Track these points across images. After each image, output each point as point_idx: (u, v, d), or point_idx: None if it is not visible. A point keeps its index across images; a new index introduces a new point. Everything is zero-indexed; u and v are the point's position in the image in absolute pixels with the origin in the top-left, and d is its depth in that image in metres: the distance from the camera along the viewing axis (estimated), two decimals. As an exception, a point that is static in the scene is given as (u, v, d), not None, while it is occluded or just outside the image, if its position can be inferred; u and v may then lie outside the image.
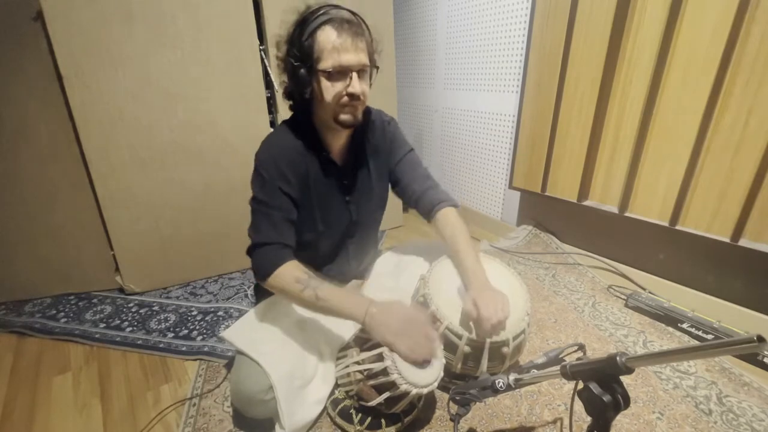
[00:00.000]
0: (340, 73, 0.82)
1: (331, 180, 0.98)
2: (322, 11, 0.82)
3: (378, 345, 0.82)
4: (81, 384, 1.14)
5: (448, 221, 1.02)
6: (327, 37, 0.81)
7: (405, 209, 2.36)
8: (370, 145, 1.03)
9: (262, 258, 0.88)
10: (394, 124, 1.08)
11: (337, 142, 0.97)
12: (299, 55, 0.83)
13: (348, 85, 0.83)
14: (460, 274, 1.00)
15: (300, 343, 0.94)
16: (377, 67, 0.90)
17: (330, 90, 0.84)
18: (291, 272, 0.86)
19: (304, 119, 0.94)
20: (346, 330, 0.96)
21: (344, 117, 0.87)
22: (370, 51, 0.87)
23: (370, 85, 0.90)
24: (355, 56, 0.82)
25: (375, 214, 1.11)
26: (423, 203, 1.05)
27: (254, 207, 0.91)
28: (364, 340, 0.88)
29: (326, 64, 0.82)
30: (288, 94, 0.93)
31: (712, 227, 1.28)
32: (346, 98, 0.84)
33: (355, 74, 0.83)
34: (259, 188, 0.90)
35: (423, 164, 1.09)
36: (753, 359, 1.12)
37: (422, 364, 0.82)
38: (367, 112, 1.01)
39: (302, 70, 0.83)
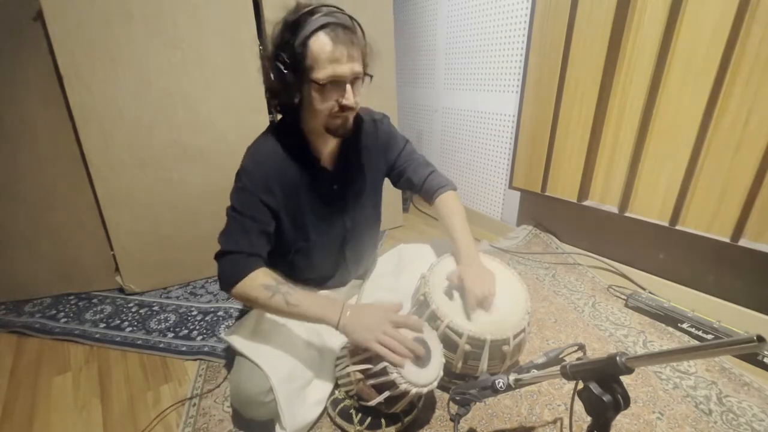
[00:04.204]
0: (333, 83, 0.79)
1: (322, 187, 0.95)
2: (315, 14, 0.77)
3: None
4: (81, 384, 1.14)
5: (446, 203, 1.06)
6: (321, 46, 0.76)
7: (405, 209, 2.37)
8: (362, 147, 1.01)
9: (229, 266, 0.85)
10: (386, 120, 1.08)
11: (327, 147, 0.94)
12: (289, 61, 0.78)
13: (341, 96, 0.80)
14: (453, 251, 1.03)
15: (299, 344, 0.93)
16: (371, 76, 0.86)
17: (321, 101, 0.81)
18: (259, 279, 0.83)
19: (292, 124, 0.91)
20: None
21: (335, 127, 0.85)
22: (364, 58, 0.83)
23: (361, 93, 0.87)
24: (349, 66, 0.78)
25: (370, 216, 1.10)
26: (425, 189, 1.09)
27: (230, 214, 0.88)
28: (364, 340, 0.88)
29: (319, 75, 0.77)
30: (273, 94, 0.88)
31: (712, 227, 1.28)
32: (338, 109, 0.82)
33: (348, 86, 0.80)
34: (238, 198, 0.88)
35: (417, 152, 1.13)
36: (753, 359, 1.12)
37: (416, 361, 0.82)
38: (356, 114, 0.98)
39: (292, 77, 0.79)
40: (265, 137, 0.93)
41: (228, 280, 0.85)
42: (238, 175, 0.89)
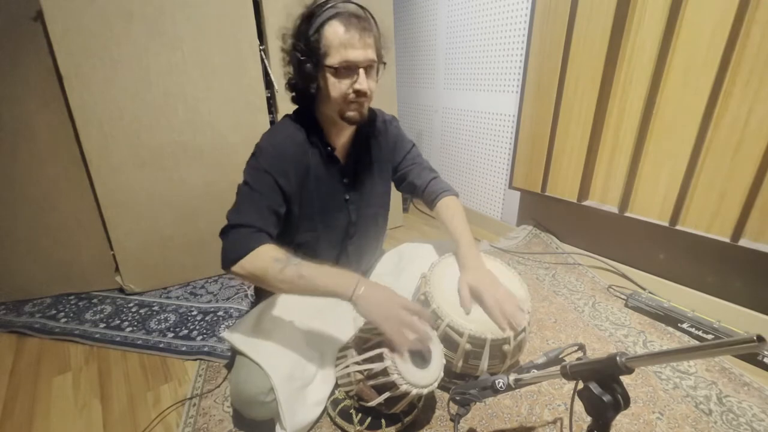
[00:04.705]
0: (347, 69, 0.82)
1: (331, 177, 0.97)
2: (330, 5, 0.81)
3: (378, 345, 0.82)
4: (81, 384, 1.14)
5: (447, 207, 1.07)
6: (334, 32, 0.80)
7: (405, 209, 2.37)
8: (373, 145, 1.03)
9: (237, 238, 0.82)
10: (395, 122, 1.10)
11: (341, 138, 0.96)
12: (306, 49, 0.82)
13: (355, 82, 0.82)
14: (455, 255, 1.03)
15: (300, 344, 0.93)
16: (384, 63, 0.89)
17: (336, 86, 0.83)
18: (269, 252, 0.81)
19: (308, 114, 0.93)
20: (346, 330, 0.96)
21: (350, 114, 0.86)
22: (378, 46, 0.86)
23: (377, 80, 0.89)
24: (363, 52, 0.81)
25: (376, 214, 1.11)
26: (427, 194, 1.10)
27: (241, 190, 0.87)
28: (363, 341, 0.88)
29: (333, 59, 0.81)
30: (291, 87, 0.92)
31: (712, 227, 1.28)
32: (352, 95, 0.84)
33: (362, 71, 0.82)
34: (253, 175, 0.87)
35: (423, 156, 1.14)
36: (753, 359, 1.12)
37: (418, 353, 0.82)
38: (370, 110, 1.01)
39: (308, 65, 0.82)
40: (282, 123, 0.95)
41: (234, 252, 0.81)
42: (254, 154, 0.89)
